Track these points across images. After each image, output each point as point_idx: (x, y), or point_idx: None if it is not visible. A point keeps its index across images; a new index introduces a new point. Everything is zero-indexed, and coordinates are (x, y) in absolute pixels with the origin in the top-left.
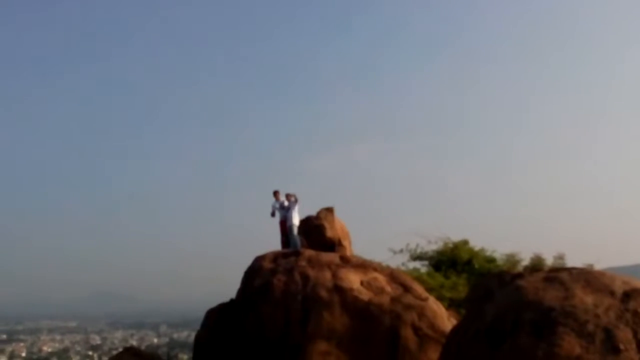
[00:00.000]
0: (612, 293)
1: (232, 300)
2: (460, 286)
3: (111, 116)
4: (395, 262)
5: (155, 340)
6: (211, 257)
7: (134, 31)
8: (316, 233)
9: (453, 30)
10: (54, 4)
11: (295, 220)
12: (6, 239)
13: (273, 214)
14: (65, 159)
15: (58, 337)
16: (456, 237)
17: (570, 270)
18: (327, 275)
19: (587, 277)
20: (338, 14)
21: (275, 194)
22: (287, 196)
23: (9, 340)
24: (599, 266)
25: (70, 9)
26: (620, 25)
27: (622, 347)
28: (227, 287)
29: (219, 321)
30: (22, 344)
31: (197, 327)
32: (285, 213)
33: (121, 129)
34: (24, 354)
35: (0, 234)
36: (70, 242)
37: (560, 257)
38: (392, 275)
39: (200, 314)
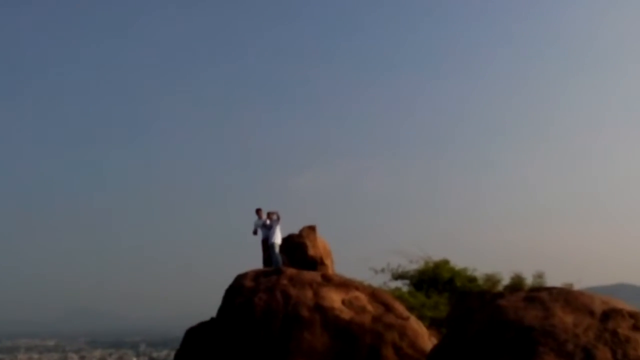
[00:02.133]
0: (591, 313)
1: (212, 319)
2: (442, 305)
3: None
4: (377, 281)
5: None
6: (193, 275)
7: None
8: (298, 251)
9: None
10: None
11: (277, 238)
12: None
13: (255, 232)
14: (47, 172)
15: (36, 356)
16: (438, 256)
17: (550, 289)
18: (309, 294)
19: (567, 297)
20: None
21: (258, 211)
22: (269, 214)
23: None
24: (578, 286)
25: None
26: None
27: None
28: (208, 306)
29: (199, 340)
30: None
31: (177, 346)
32: (267, 231)
33: (102, 144)
34: None
35: None
36: (49, 258)
37: (540, 276)
38: (374, 294)
39: (180, 332)
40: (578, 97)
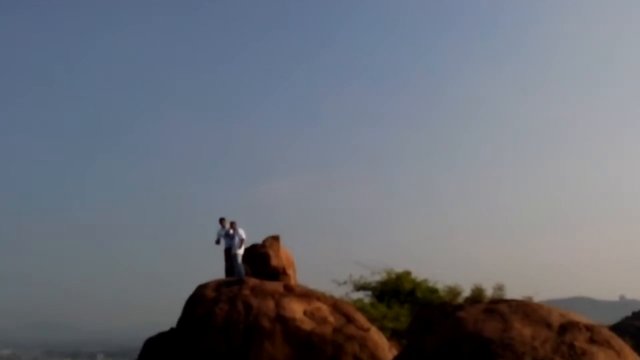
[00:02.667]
0: (549, 325)
1: (172, 329)
2: (403, 317)
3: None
4: (340, 292)
5: None
6: (153, 285)
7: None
8: (261, 261)
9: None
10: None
11: (240, 249)
12: None
13: (218, 242)
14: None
15: None
16: (400, 268)
17: (509, 302)
18: (270, 304)
19: (526, 310)
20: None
21: (222, 221)
22: (232, 224)
23: None
24: (537, 298)
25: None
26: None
27: None
28: (168, 316)
29: (158, 351)
30: None
31: (136, 356)
32: (230, 241)
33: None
34: None
35: None
36: (5, 267)
37: (500, 288)
38: (336, 306)
39: (139, 343)
40: (535, 116)
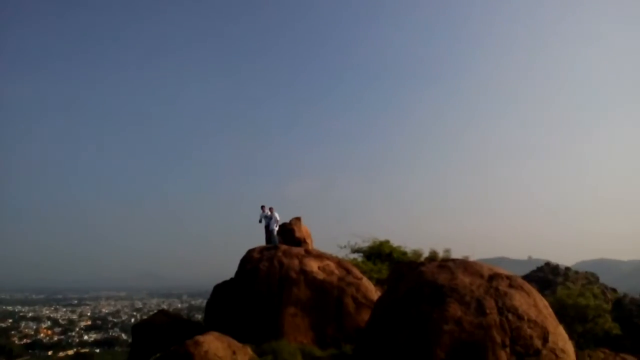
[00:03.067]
0: (481, 276)
1: (232, 279)
2: (384, 270)
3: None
4: (341, 254)
5: (179, 305)
6: (221, 249)
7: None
8: (289, 234)
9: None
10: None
11: (275, 225)
12: (77, 232)
13: (260, 221)
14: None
15: (113, 303)
16: (381, 238)
17: (454, 260)
18: (296, 262)
19: (465, 265)
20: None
21: (262, 207)
22: (270, 209)
23: (78, 304)
24: (472, 258)
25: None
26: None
27: (488, 311)
28: (229, 270)
29: (223, 292)
30: (88, 307)
31: (208, 296)
32: (269, 220)
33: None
34: (89, 314)
35: (73, 229)
36: (122, 235)
37: (448, 251)
38: (339, 262)
39: (211, 287)
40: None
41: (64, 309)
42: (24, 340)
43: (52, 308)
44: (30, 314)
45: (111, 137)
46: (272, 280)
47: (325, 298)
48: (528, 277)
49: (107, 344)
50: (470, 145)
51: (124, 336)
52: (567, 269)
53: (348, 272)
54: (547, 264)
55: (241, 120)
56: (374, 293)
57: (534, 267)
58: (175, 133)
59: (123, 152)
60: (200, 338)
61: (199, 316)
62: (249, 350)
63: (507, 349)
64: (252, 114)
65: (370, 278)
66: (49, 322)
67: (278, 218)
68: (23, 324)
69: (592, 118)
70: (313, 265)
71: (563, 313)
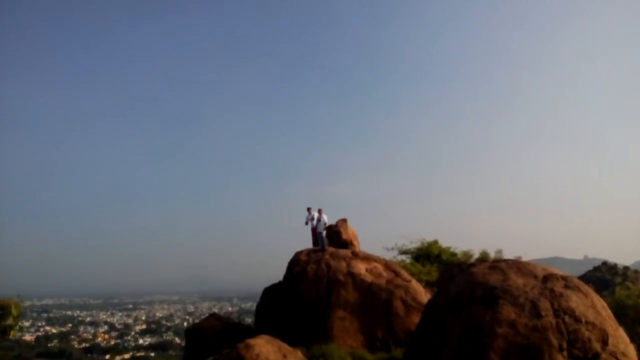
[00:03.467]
0: (535, 276)
1: (280, 282)
2: (433, 272)
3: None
4: (389, 255)
5: (230, 309)
6: (270, 253)
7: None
8: (335, 236)
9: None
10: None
11: (324, 228)
12: (132, 238)
13: (306, 223)
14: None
15: (166, 306)
16: (429, 238)
17: (506, 261)
18: (343, 264)
19: (518, 266)
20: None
21: (308, 209)
22: (319, 210)
23: (133, 308)
24: (525, 258)
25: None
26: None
27: (543, 313)
28: (278, 273)
29: (272, 295)
30: (142, 311)
31: (258, 300)
32: (317, 223)
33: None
34: (143, 318)
35: (128, 235)
36: (174, 240)
37: (499, 252)
38: (387, 265)
39: (260, 291)
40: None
41: (120, 314)
42: (83, 345)
43: (109, 312)
44: (88, 319)
45: (164, 143)
46: (320, 283)
47: (374, 301)
48: (584, 278)
49: (161, 347)
50: (519, 140)
51: (177, 340)
52: (626, 268)
53: (396, 274)
54: (604, 263)
55: (290, 125)
56: (424, 295)
57: (590, 267)
58: (226, 139)
59: (175, 159)
60: (251, 341)
61: (249, 319)
62: (299, 354)
63: (565, 353)
64: (301, 117)
65: (419, 280)
66: (106, 327)
67: (326, 220)
68: (82, 328)
69: None
70: (361, 268)
71: (623, 314)
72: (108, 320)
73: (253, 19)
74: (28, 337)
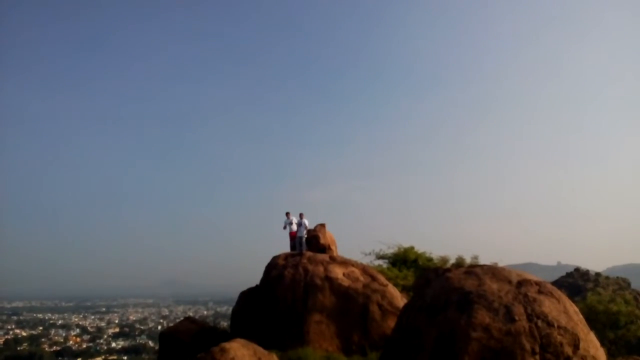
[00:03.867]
0: (509, 282)
1: (257, 286)
2: (409, 277)
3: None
4: (366, 260)
5: (205, 312)
6: (246, 256)
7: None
8: (313, 241)
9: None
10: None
11: (305, 232)
12: (105, 240)
13: (285, 228)
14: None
15: (140, 310)
16: (406, 244)
17: (482, 266)
18: (321, 269)
19: (493, 271)
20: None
21: (287, 214)
22: (300, 215)
23: (107, 312)
24: (500, 264)
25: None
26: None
27: (517, 318)
28: (254, 276)
29: (249, 299)
30: (116, 314)
31: (234, 303)
32: (298, 227)
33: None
34: (117, 321)
35: (101, 237)
36: (146, 244)
37: (475, 258)
38: (364, 269)
39: (236, 294)
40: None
41: (93, 317)
42: (54, 348)
43: (81, 315)
44: (59, 322)
45: (134, 142)
46: (297, 287)
47: (351, 305)
48: (557, 283)
49: (134, 351)
50: (494, 148)
51: (151, 343)
52: (598, 274)
53: (373, 278)
54: (577, 269)
55: (264, 129)
56: (400, 300)
57: (563, 273)
58: (199, 141)
59: (149, 159)
60: (227, 345)
61: (225, 323)
62: (275, 357)
63: (537, 356)
64: (273, 124)
65: (395, 285)
66: (77, 330)
67: (307, 224)
68: (53, 331)
69: (625, 126)
70: (338, 272)
71: (594, 319)
72: (80, 323)
73: (231, 20)
74: None
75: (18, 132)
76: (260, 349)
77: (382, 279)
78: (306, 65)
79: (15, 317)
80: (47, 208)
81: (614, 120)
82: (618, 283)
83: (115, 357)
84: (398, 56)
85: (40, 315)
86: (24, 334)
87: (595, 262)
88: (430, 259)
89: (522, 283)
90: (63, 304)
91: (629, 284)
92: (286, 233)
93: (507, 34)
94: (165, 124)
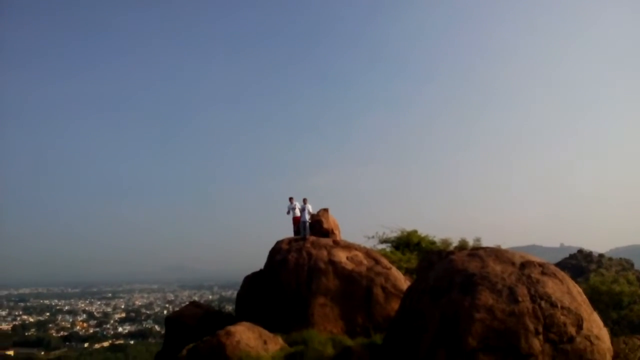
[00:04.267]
0: (513, 263)
1: (261, 270)
2: (413, 260)
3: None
4: (369, 244)
5: (210, 297)
6: (249, 240)
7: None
8: (317, 225)
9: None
10: None
11: (308, 217)
12: (111, 226)
13: (288, 212)
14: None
15: (145, 295)
16: (409, 228)
17: (485, 248)
18: (324, 253)
19: (497, 253)
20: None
21: (290, 199)
22: (304, 200)
23: (113, 297)
24: (504, 246)
25: None
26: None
27: (520, 299)
28: (258, 261)
29: (253, 283)
30: (121, 299)
31: (239, 288)
32: (301, 212)
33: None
34: (123, 306)
35: (106, 223)
36: (151, 230)
37: (478, 240)
38: (367, 253)
39: (241, 279)
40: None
41: (99, 302)
42: (61, 333)
43: (88, 301)
44: (66, 308)
45: (139, 131)
46: (300, 271)
47: (354, 288)
48: (560, 265)
49: (140, 335)
50: (497, 132)
51: (157, 328)
52: (601, 255)
53: (377, 262)
54: (580, 251)
55: (270, 117)
56: (404, 282)
57: (566, 255)
58: (204, 128)
59: (153, 146)
60: (232, 328)
61: (230, 307)
62: (280, 340)
63: (541, 337)
64: (280, 110)
65: (399, 268)
66: (84, 315)
67: (311, 209)
68: (60, 317)
69: (629, 109)
70: (341, 256)
71: (597, 300)
72: (87, 309)
73: (229, 12)
74: (4, 326)
75: (22, 123)
76: (265, 332)
77: (385, 262)
78: (303, 53)
79: (22, 304)
80: (53, 196)
81: (618, 104)
82: (621, 264)
83: (122, 342)
84: (399, 41)
85: (47, 302)
86: (31, 319)
87: (599, 243)
88: (433, 242)
89: (525, 264)
90: (69, 290)
91: (632, 265)
92: (290, 218)
93: (513, 14)
94: (167, 111)
